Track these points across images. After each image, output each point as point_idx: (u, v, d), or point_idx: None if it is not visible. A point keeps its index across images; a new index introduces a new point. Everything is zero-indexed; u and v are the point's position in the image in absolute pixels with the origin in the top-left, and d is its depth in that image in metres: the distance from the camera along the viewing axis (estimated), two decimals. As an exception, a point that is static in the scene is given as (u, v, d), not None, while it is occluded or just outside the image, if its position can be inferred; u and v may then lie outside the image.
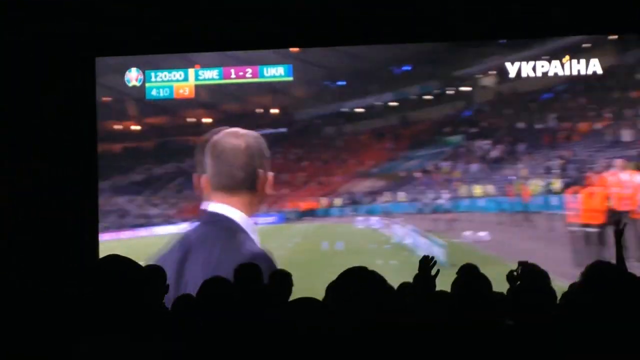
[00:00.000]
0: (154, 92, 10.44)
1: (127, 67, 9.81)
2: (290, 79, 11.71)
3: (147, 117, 27.74)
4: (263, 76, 12.05)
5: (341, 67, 24.22)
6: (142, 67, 10.34)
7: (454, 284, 2.97)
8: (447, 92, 25.04)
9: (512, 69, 14.43)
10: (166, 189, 28.90)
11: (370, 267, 2.84)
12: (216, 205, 3.30)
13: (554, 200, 15.19)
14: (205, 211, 3.36)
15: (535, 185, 16.61)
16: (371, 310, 1.77)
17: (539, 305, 2.42)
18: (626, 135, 17.44)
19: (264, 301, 3.14)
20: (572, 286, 3.12)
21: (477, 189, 19.09)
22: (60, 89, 6.44)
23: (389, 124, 26.84)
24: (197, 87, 11.19)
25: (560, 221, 13.26)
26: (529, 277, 3.21)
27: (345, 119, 28.06)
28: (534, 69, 14.61)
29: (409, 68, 25.47)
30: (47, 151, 6.42)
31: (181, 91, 10.53)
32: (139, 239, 17.60)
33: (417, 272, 2.97)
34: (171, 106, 21.95)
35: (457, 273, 3.58)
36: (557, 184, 16.40)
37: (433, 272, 2.98)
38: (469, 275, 3.18)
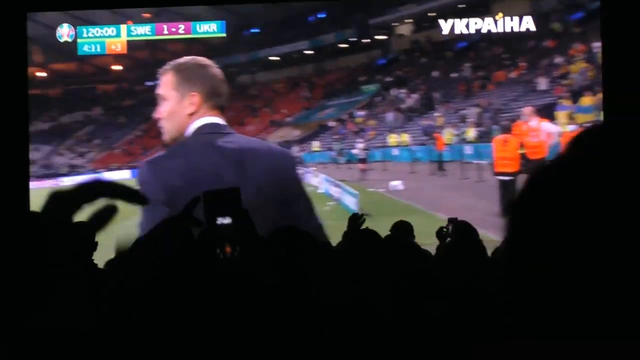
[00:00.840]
0: (85, 48, 10.61)
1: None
2: (223, 35, 11.92)
3: (53, 63, 25.89)
4: (196, 32, 11.91)
5: (255, 15, 23.23)
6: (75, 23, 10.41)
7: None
8: (363, 40, 24.53)
9: (445, 26, 14.06)
10: (74, 138, 27.37)
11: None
12: (219, 119, 2.98)
13: (467, 149, 14.99)
14: (212, 123, 3.04)
15: (450, 134, 16.39)
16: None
17: (471, 262, 2.32)
18: (541, 83, 17.44)
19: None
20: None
21: (392, 138, 18.78)
22: None
23: (304, 72, 26.16)
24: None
25: (474, 170, 13.08)
26: (460, 233, 3.28)
27: (260, 68, 27.21)
28: (467, 26, 14.28)
29: (323, 15, 24.72)
30: None
31: (113, 47, 10.67)
32: (43, 190, 16.31)
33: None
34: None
35: (390, 230, 3.70)
36: (471, 133, 16.23)
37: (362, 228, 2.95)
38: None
